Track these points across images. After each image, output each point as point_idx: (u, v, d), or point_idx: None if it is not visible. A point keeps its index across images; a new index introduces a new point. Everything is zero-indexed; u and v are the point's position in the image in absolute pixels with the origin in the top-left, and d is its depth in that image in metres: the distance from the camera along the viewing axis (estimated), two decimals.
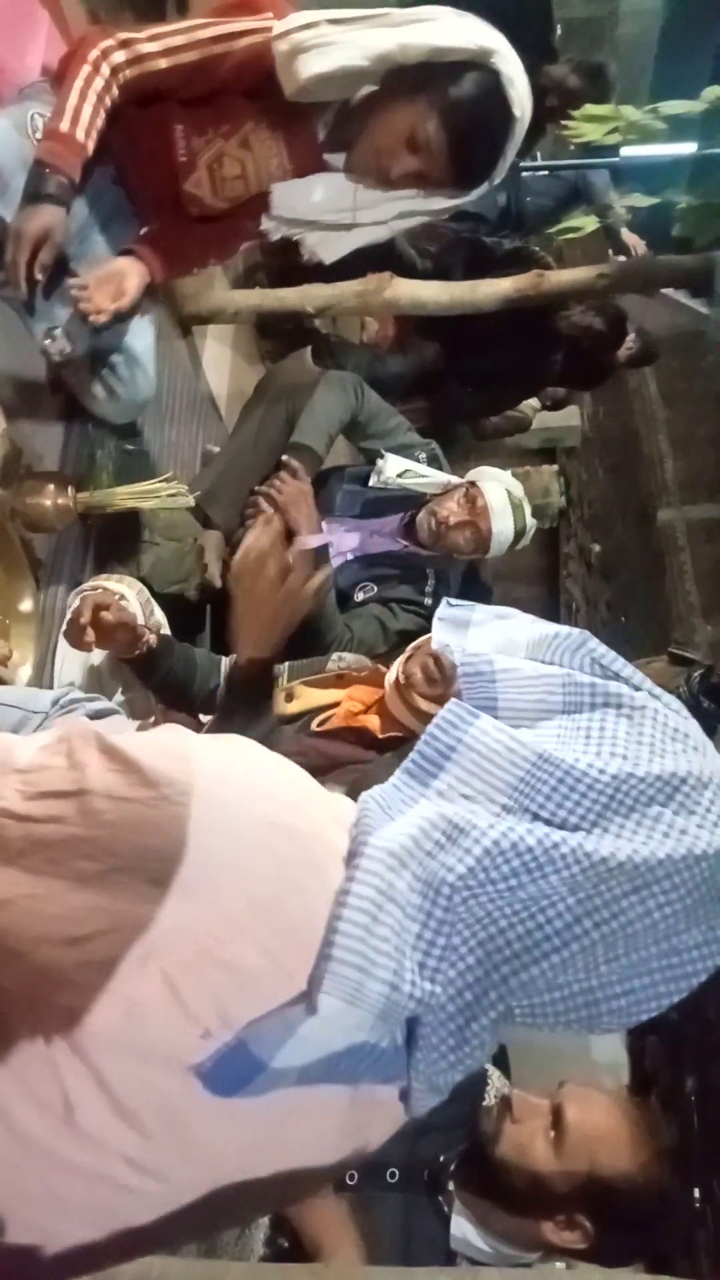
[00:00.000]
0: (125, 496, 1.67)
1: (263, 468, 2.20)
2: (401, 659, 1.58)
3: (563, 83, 2.75)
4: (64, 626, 1.61)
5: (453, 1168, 1.40)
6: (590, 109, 2.12)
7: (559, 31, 3.15)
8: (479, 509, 2.04)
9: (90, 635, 1.51)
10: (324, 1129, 0.67)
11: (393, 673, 1.56)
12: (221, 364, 2.73)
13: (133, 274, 1.51)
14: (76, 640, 1.56)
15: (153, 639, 1.61)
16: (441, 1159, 1.41)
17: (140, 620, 1.66)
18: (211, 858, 0.60)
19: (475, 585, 2.40)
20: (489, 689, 0.71)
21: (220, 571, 2.15)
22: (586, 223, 2.34)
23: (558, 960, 0.65)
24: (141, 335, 1.70)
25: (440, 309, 2.28)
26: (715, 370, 6.29)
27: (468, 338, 2.97)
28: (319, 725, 1.57)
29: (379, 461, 2.12)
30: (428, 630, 2.17)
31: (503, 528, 2.05)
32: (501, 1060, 1.97)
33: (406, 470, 2.10)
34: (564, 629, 0.78)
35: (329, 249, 1.65)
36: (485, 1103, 1.42)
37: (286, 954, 0.60)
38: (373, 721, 1.54)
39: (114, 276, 1.49)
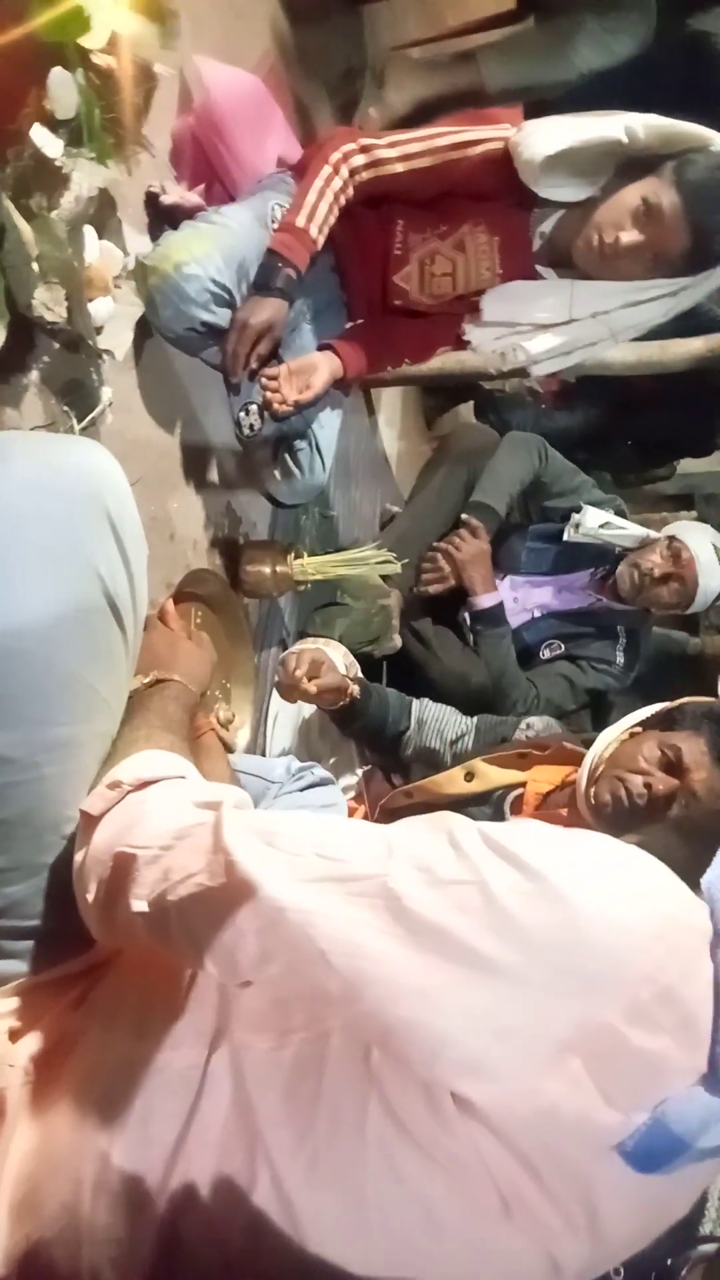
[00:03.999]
0: (338, 564, 1.71)
1: (443, 529, 2.22)
2: (589, 765, 1.37)
3: None
4: (277, 679, 1.66)
5: (684, 1273, 1.34)
6: None
7: None
8: (685, 562, 2.02)
9: (306, 686, 1.56)
10: (688, 1202, 0.69)
11: (583, 779, 1.40)
12: (393, 423, 2.79)
13: (324, 369, 1.55)
14: (289, 693, 1.62)
15: (356, 690, 1.65)
16: (669, 1262, 1.34)
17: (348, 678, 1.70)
18: (614, 951, 0.62)
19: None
20: None
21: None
22: None
23: None
24: (327, 426, 1.74)
25: (627, 369, 2.24)
26: None
27: (633, 393, 2.94)
28: (511, 810, 1.54)
29: (575, 515, 2.11)
30: (615, 689, 2.15)
31: (710, 582, 2.02)
32: None
33: (607, 523, 2.08)
34: None
35: (539, 345, 1.65)
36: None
37: (687, 1037, 0.61)
38: (562, 815, 1.48)
39: (305, 370, 1.53)
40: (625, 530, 2.08)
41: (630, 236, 1.46)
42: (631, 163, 1.47)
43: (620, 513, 2.22)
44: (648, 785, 1.19)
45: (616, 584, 2.09)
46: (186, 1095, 0.67)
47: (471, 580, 2.09)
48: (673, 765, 1.22)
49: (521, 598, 2.21)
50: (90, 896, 0.74)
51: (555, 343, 1.64)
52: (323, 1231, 0.62)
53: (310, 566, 1.69)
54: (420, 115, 2.25)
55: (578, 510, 2.20)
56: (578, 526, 2.08)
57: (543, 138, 1.42)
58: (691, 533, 2.07)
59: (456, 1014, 0.61)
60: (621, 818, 1.23)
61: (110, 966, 0.81)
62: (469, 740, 1.77)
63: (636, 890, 0.65)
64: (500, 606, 2.14)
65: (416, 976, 0.62)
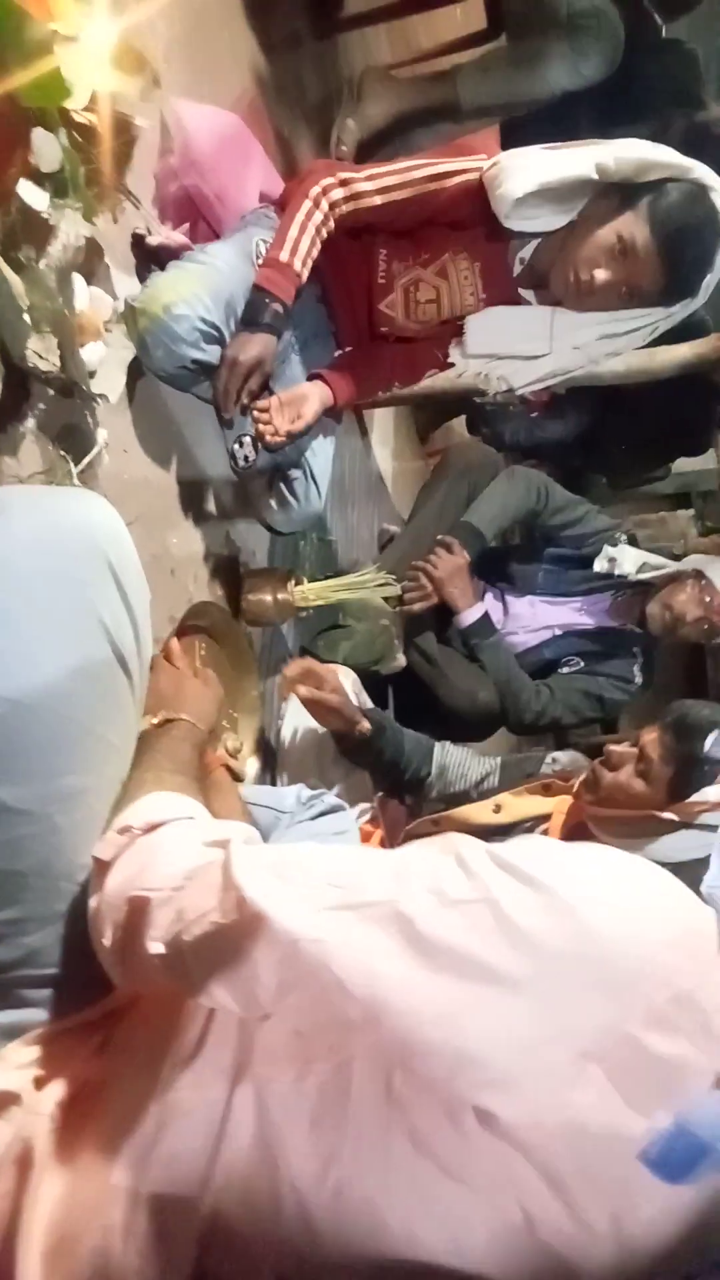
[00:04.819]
0: (338, 589, 1.72)
1: None
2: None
3: None
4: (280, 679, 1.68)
5: None
6: None
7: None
8: (716, 608, 2.04)
9: (302, 690, 1.60)
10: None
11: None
12: (386, 442, 2.81)
13: (314, 399, 1.57)
14: (286, 688, 1.65)
15: (365, 727, 1.66)
16: None
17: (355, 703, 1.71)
18: (628, 958, 0.62)
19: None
20: None
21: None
22: None
23: None
24: (320, 454, 1.75)
25: (617, 378, 2.28)
26: None
27: (623, 398, 2.96)
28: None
29: (609, 549, 2.12)
30: (631, 702, 2.18)
31: None
32: None
33: (645, 564, 2.10)
34: None
35: (519, 377, 1.68)
36: None
37: (707, 1043, 0.62)
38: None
39: (296, 401, 1.55)
40: (661, 570, 2.09)
41: (605, 275, 1.48)
42: (608, 189, 1.48)
43: (632, 539, 2.24)
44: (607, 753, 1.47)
45: (646, 621, 2.11)
46: (210, 1132, 0.67)
47: (451, 596, 2.10)
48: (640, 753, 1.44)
49: (541, 614, 2.23)
50: (107, 941, 0.75)
51: (536, 374, 1.66)
52: (349, 1261, 0.62)
53: (311, 593, 1.71)
54: (396, 129, 2.29)
55: (606, 537, 2.21)
56: (611, 561, 2.10)
57: (515, 177, 1.43)
58: (718, 572, 2.09)
59: (476, 1032, 0.61)
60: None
61: (130, 1010, 0.81)
62: (495, 779, 1.79)
63: (647, 898, 0.66)
64: (487, 617, 2.16)
65: (434, 999, 0.62)
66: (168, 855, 0.76)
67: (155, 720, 1.04)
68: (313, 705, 1.64)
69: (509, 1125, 0.61)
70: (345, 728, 1.64)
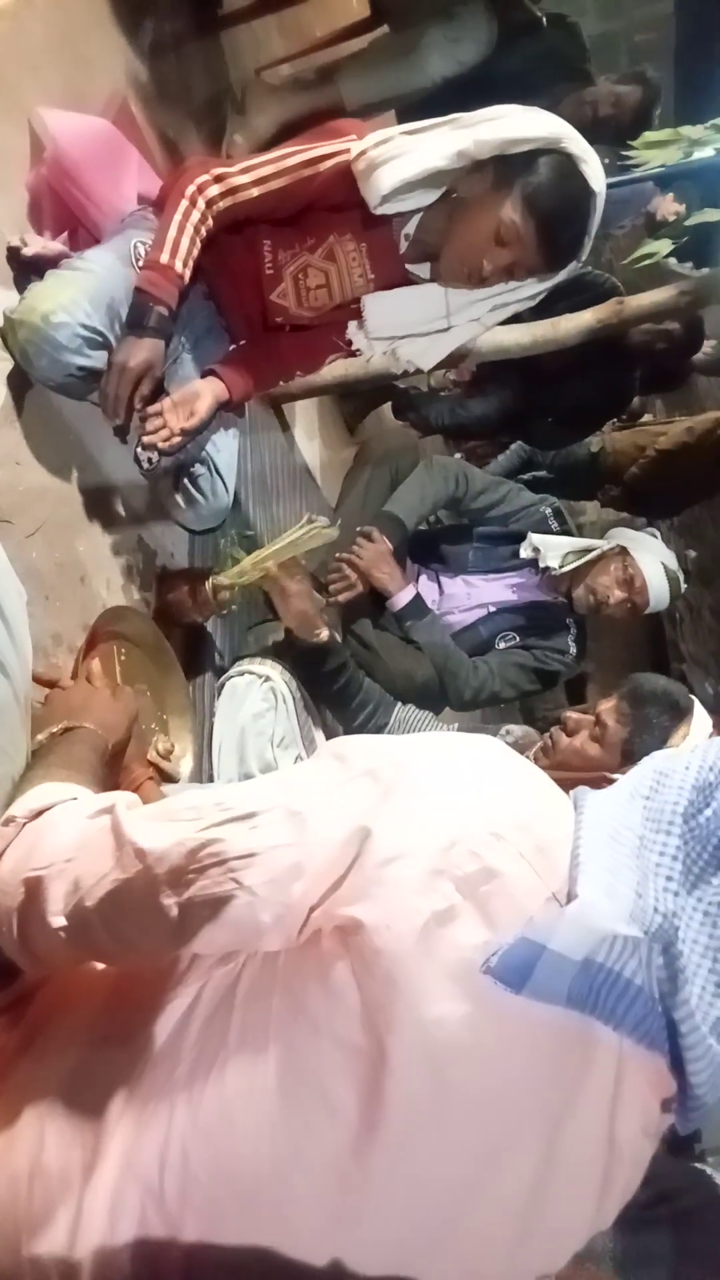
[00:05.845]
0: (257, 560, 1.72)
1: None
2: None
3: (613, 93, 2.76)
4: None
5: None
6: (650, 135, 2.13)
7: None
8: (638, 588, 2.07)
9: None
10: (595, 1116, 0.66)
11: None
12: (312, 434, 2.81)
13: (207, 395, 1.56)
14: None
15: (325, 634, 1.76)
16: None
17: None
18: (482, 786, 0.69)
19: None
20: None
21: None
22: (660, 246, 2.32)
23: None
24: (225, 449, 1.75)
25: (523, 350, 2.30)
26: None
27: (544, 370, 2.98)
28: None
29: (534, 538, 2.15)
30: (569, 674, 2.22)
31: (659, 600, 2.10)
32: None
33: (568, 554, 2.12)
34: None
35: (427, 357, 1.70)
36: None
37: (542, 865, 0.66)
38: None
39: (188, 399, 1.55)
40: (586, 557, 2.11)
41: (490, 265, 1.50)
42: (481, 161, 1.48)
43: (558, 512, 2.27)
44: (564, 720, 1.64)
45: (573, 603, 2.15)
46: (114, 1070, 0.70)
47: (380, 581, 2.11)
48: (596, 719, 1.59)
49: (474, 593, 2.25)
50: (5, 929, 0.76)
51: (438, 349, 1.67)
52: (240, 1145, 0.64)
53: (226, 576, 1.71)
54: (286, 137, 2.28)
55: (531, 513, 2.25)
56: (535, 551, 2.12)
57: (378, 172, 1.43)
58: (641, 549, 2.12)
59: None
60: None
61: (40, 988, 0.82)
62: None
63: (503, 756, 0.73)
64: (419, 598, 2.18)
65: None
66: (55, 833, 0.78)
67: (55, 730, 1.04)
68: (280, 600, 1.74)
69: (369, 928, 0.63)
70: (305, 627, 1.73)
